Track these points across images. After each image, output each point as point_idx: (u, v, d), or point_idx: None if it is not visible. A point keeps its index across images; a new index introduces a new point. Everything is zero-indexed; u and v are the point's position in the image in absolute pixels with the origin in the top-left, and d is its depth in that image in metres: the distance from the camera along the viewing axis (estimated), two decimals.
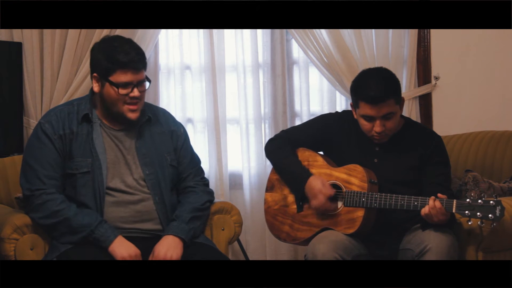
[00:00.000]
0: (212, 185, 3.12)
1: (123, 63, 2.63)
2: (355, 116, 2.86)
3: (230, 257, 3.50)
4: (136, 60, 2.65)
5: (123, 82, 2.64)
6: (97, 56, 2.69)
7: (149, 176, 2.75)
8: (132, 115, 2.70)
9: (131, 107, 2.68)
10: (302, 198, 2.91)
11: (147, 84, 2.73)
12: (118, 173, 2.72)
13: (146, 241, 2.70)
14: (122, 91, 2.65)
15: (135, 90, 2.66)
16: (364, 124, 2.81)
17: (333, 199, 2.85)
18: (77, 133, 2.70)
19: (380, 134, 2.79)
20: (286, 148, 3.00)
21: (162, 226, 2.74)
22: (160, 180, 2.77)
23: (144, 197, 2.73)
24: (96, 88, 2.70)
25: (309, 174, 2.87)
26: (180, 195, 2.86)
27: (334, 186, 2.86)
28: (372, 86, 2.74)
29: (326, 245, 2.68)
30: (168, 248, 2.65)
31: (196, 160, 2.96)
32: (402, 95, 2.86)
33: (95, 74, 2.70)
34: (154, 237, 2.71)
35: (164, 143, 2.83)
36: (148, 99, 3.26)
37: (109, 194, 2.69)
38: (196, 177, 2.91)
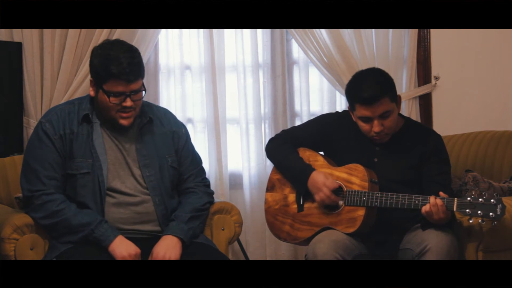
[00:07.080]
0: (212, 185, 3.11)
1: (114, 74, 2.59)
2: (354, 119, 2.86)
3: (230, 257, 3.50)
4: (127, 72, 2.59)
5: (115, 91, 2.61)
6: (94, 61, 2.66)
7: (150, 177, 2.74)
8: (124, 122, 2.68)
9: (123, 114, 2.66)
10: (305, 194, 2.91)
11: (142, 93, 2.69)
12: (118, 174, 2.71)
13: (145, 241, 2.69)
14: (114, 100, 2.63)
15: (128, 100, 2.63)
16: (363, 125, 2.80)
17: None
18: (77, 133, 2.69)
19: (379, 134, 2.78)
20: (287, 146, 3.00)
21: (161, 227, 2.74)
22: (160, 181, 2.76)
23: (144, 198, 2.72)
24: (92, 92, 2.69)
25: (311, 170, 2.87)
26: (181, 196, 2.86)
27: None
28: (365, 87, 2.74)
29: (327, 245, 2.68)
30: (167, 248, 2.64)
31: (197, 161, 2.94)
32: (402, 95, 2.86)
33: (91, 79, 2.69)
34: (154, 238, 2.71)
35: (165, 144, 2.82)
36: (148, 99, 3.26)
37: (109, 195, 2.68)
38: (197, 178, 2.90)
